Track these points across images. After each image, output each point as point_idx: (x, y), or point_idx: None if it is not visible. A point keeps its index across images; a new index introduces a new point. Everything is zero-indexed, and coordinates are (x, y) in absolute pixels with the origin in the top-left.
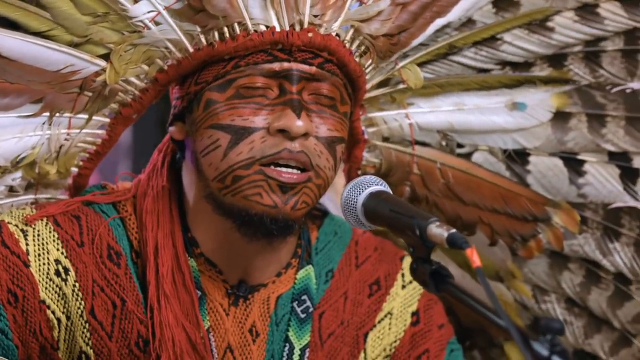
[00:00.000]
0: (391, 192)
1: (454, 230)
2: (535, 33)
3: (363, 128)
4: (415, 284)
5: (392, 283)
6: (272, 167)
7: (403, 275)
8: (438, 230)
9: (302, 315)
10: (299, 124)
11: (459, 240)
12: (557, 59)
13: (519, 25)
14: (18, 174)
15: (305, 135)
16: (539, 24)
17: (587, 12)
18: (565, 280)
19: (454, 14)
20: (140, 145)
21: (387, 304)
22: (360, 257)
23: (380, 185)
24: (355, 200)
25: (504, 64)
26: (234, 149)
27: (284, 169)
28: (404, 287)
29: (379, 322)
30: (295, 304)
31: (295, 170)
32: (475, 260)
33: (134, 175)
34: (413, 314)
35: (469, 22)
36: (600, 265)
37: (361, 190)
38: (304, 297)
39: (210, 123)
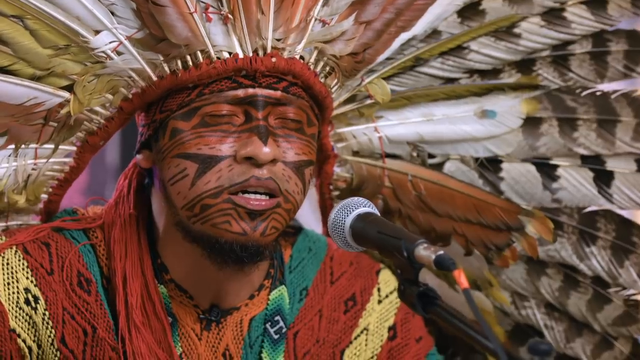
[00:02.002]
0: (379, 215)
1: (441, 252)
2: (502, 40)
3: (332, 144)
4: (391, 297)
5: (368, 298)
6: (241, 194)
7: (379, 289)
8: (425, 252)
9: (275, 336)
10: (265, 150)
11: (446, 262)
12: (525, 65)
13: (485, 34)
14: None
15: (273, 161)
16: (505, 31)
17: (553, 16)
18: (543, 286)
19: (419, 27)
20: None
21: (363, 320)
22: (335, 272)
23: (368, 207)
24: (343, 222)
25: (471, 72)
26: (202, 178)
27: (252, 196)
28: (380, 301)
29: (355, 338)
30: (268, 325)
31: (263, 197)
32: (463, 282)
33: (105, 200)
34: (390, 328)
35: (434, 33)
36: (577, 270)
37: (349, 212)
38: (277, 317)
39: (177, 152)
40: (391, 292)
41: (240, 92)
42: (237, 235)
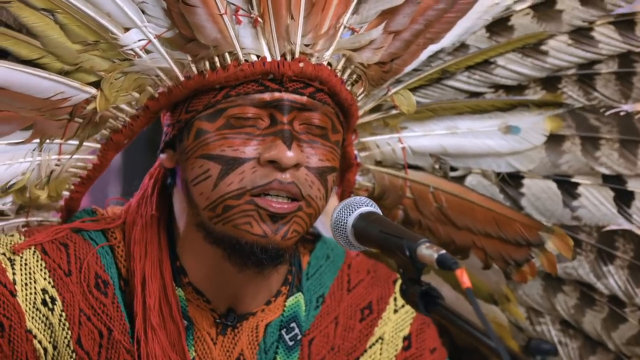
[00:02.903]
0: (381, 213)
1: (443, 252)
2: (529, 57)
3: (356, 152)
4: (407, 307)
5: (384, 307)
6: (263, 196)
7: (396, 299)
8: (428, 252)
9: (290, 343)
10: (289, 155)
11: (448, 261)
12: (550, 82)
13: (512, 49)
14: (8, 199)
15: (297, 166)
16: (532, 47)
17: (581, 35)
18: (559, 303)
19: (448, 40)
20: (130, 168)
21: (379, 329)
22: (352, 280)
23: (371, 207)
24: (345, 221)
25: (497, 87)
26: (225, 180)
27: (274, 199)
28: (396, 311)
29: (370, 347)
30: (283, 332)
31: (285, 200)
32: (465, 281)
33: (124, 200)
34: (405, 338)
35: (462, 46)
36: (594, 288)
37: (351, 211)
38: (293, 324)
39: (201, 153)
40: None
41: (267, 96)
42: (258, 237)
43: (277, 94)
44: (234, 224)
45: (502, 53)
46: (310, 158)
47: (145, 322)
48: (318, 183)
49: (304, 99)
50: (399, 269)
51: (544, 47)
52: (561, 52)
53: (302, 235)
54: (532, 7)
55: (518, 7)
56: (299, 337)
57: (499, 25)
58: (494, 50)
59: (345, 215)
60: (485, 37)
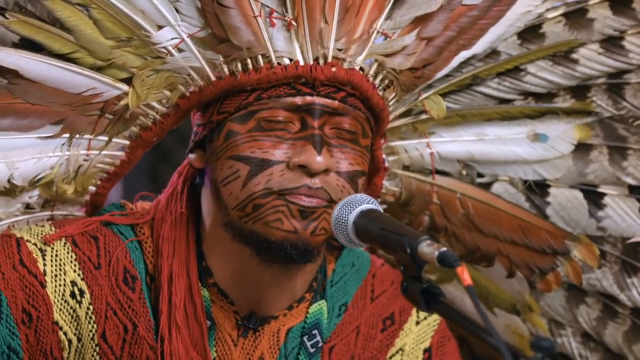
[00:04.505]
0: (382, 211)
1: (444, 249)
2: (559, 65)
3: (384, 156)
4: (429, 320)
5: (406, 318)
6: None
7: (418, 311)
8: (429, 249)
9: (312, 350)
10: (319, 160)
11: (449, 258)
12: (580, 91)
13: (543, 57)
14: (35, 192)
15: (326, 171)
16: (563, 55)
17: (612, 44)
18: (581, 314)
19: (479, 47)
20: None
21: (400, 340)
22: (376, 290)
23: (372, 204)
24: (346, 218)
25: (526, 94)
26: (253, 180)
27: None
28: (418, 323)
29: (391, 357)
30: (305, 338)
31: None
32: (466, 279)
33: (153, 195)
34: (425, 350)
35: (493, 53)
36: (617, 300)
37: (352, 209)
38: (315, 331)
39: (231, 154)
40: (429, 314)
41: (298, 100)
42: (288, 233)
43: (308, 98)
44: (264, 222)
45: (533, 60)
46: (341, 162)
47: (170, 320)
48: (349, 187)
49: (336, 103)
50: (400, 266)
51: (574, 56)
52: (592, 60)
53: (329, 235)
54: (564, 14)
55: (550, 14)
56: (320, 344)
57: (530, 33)
58: (524, 58)
59: (347, 213)
60: (517, 44)
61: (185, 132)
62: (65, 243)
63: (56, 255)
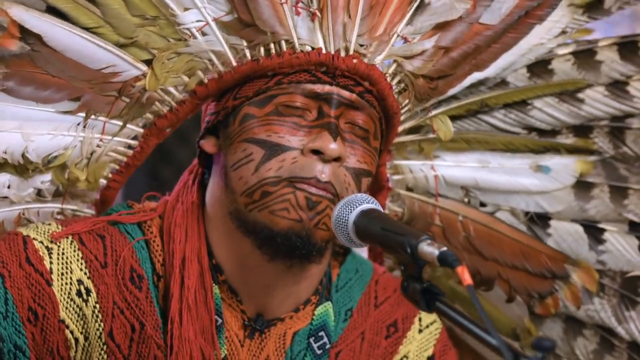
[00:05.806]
0: (382, 210)
1: (444, 248)
2: (565, 102)
3: (388, 175)
4: (432, 328)
5: (409, 326)
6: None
7: (420, 319)
8: (429, 249)
9: (319, 352)
10: (333, 146)
11: (449, 258)
12: (582, 130)
13: (550, 93)
14: (48, 177)
15: (338, 160)
16: (570, 94)
17: (617, 88)
18: (579, 347)
19: (492, 70)
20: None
21: (404, 347)
22: (379, 297)
23: (372, 204)
24: (346, 218)
25: (530, 129)
26: (266, 164)
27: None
28: (420, 331)
29: None
30: (312, 340)
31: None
32: (466, 279)
33: (159, 195)
34: (429, 358)
35: (502, 82)
36: (615, 333)
37: (353, 208)
38: (322, 333)
39: (245, 137)
40: (432, 323)
41: (318, 87)
42: (294, 222)
43: (327, 87)
44: (271, 210)
45: (540, 95)
46: (350, 158)
47: (182, 303)
48: (354, 185)
49: (353, 96)
50: (400, 266)
51: (581, 95)
52: (597, 101)
53: (330, 234)
54: (573, 53)
55: (560, 51)
56: (327, 346)
57: (539, 67)
58: (532, 91)
59: (347, 212)
60: (526, 76)
61: (186, 131)
62: (71, 241)
63: (62, 254)
